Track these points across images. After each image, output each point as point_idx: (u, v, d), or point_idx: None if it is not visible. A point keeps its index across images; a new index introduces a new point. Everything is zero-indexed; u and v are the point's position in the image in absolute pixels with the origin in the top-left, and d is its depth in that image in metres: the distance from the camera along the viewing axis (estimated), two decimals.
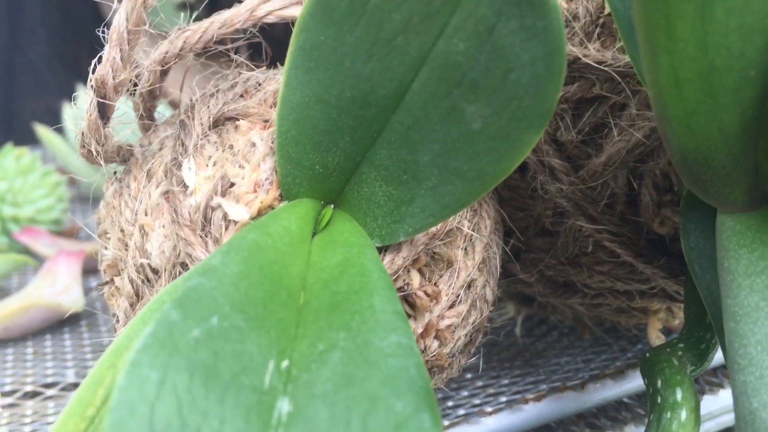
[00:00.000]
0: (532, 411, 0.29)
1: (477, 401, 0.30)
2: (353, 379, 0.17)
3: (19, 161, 0.53)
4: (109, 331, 0.42)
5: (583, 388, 0.30)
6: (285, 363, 0.17)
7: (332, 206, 0.23)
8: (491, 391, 0.31)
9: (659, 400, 0.22)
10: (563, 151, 0.27)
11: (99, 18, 0.92)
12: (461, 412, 0.29)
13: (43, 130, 0.62)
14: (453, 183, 0.21)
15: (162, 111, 0.27)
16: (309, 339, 0.18)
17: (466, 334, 0.25)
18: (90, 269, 0.48)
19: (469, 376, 0.33)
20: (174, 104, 0.29)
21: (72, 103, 0.62)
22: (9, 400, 0.35)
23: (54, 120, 0.81)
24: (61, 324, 0.42)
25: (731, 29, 0.17)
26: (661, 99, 0.18)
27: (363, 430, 0.16)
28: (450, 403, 0.30)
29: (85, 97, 0.58)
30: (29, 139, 0.77)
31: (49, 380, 0.36)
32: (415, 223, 0.22)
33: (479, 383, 0.32)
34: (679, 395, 0.22)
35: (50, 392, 0.35)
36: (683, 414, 0.21)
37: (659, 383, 0.22)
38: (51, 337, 0.41)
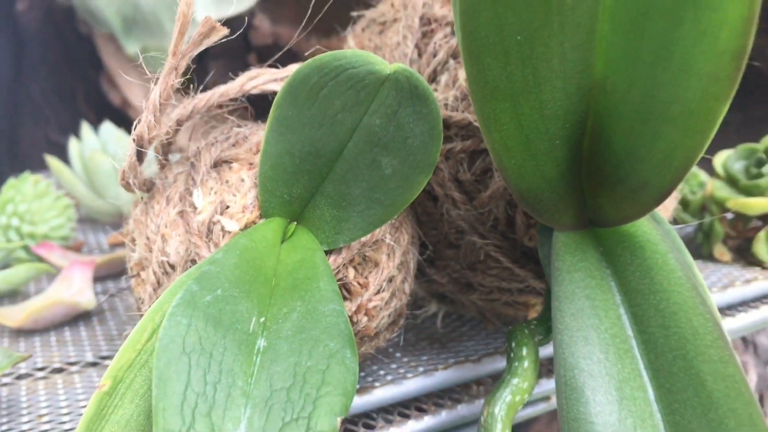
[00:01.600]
0: (441, 376, 0.39)
1: (401, 370, 0.40)
2: (305, 328, 0.27)
3: (36, 186, 0.63)
4: (116, 324, 0.51)
5: (479, 361, 0.40)
6: (262, 319, 0.27)
7: (296, 223, 0.33)
8: (413, 363, 0.41)
9: (512, 355, 0.32)
10: (462, 187, 0.37)
11: (95, 58, 1.00)
12: (389, 377, 0.39)
13: (52, 161, 0.71)
14: (375, 208, 0.31)
15: (174, 155, 0.37)
16: (278, 305, 0.28)
17: (389, 315, 0.35)
18: (97, 277, 0.57)
19: (398, 355, 0.42)
20: (181, 149, 0.38)
21: (76, 138, 0.71)
22: (42, 374, 0.43)
23: (52, 149, 0.89)
24: (76, 319, 0.51)
25: (536, 118, 0.27)
26: (498, 159, 0.28)
27: (308, 357, 0.26)
28: (381, 372, 0.40)
29: (89, 133, 0.67)
30: (31, 166, 0.86)
31: (72, 359, 0.45)
32: (351, 234, 0.32)
33: (405, 359, 0.42)
34: (524, 351, 0.32)
35: (74, 369, 0.44)
36: (525, 363, 0.31)
37: (513, 345, 0.32)
38: (69, 328, 0.50)
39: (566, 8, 0.23)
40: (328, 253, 0.32)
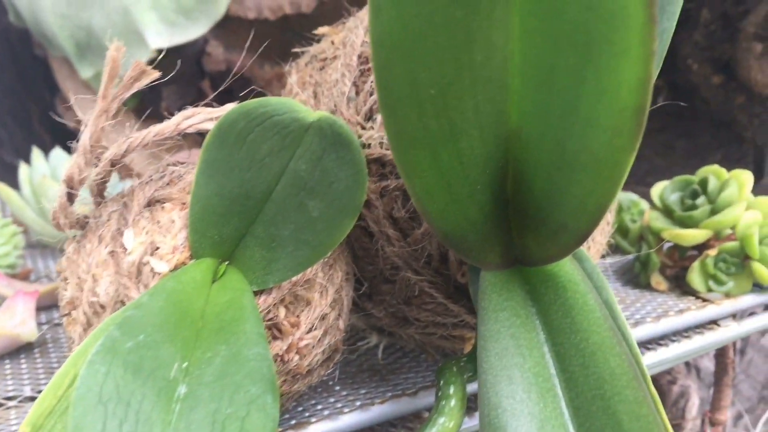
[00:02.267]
0: (378, 411, 0.39)
1: (339, 404, 0.40)
2: (227, 373, 0.27)
3: None
4: (57, 357, 0.50)
5: (416, 394, 0.40)
6: (185, 364, 0.27)
7: (227, 263, 0.33)
8: (351, 397, 0.41)
9: (440, 393, 0.33)
10: (397, 224, 0.38)
11: (50, 81, 0.99)
12: (326, 412, 0.39)
13: (1, 185, 0.70)
14: (303, 249, 0.31)
15: (110, 191, 0.37)
16: (202, 349, 0.28)
17: (322, 352, 0.35)
18: (42, 306, 0.57)
19: (337, 388, 0.42)
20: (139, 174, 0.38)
21: (27, 164, 0.70)
22: None
23: (6, 171, 0.88)
24: (18, 351, 0.51)
25: (455, 165, 0.28)
26: (420, 204, 0.28)
27: (229, 404, 0.26)
28: (319, 407, 0.40)
29: (39, 158, 0.67)
30: None
31: (10, 394, 0.44)
32: (280, 275, 0.32)
33: (344, 392, 0.42)
34: (452, 390, 0.32)
35: (11, 404, 0.43)
36: (453, 402, 0.32)
37: (442, 382, 0.33)
38: (10, 361, 0.49)
39: (476, 65, 0.24)
40: (258, 293, 0.32)
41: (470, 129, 0.26)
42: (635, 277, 0.57)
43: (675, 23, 0.31)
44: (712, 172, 0.54)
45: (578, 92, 0.24)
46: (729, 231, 0.53)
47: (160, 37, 0.76)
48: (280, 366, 0.33)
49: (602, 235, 0.43)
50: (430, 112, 0.25)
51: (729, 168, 0.56)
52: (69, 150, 0.75)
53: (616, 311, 0.33)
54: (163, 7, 0.77)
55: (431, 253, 0.38)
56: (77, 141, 0.32)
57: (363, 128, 0.38)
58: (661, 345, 0.47)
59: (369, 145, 0.38)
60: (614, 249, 0.62)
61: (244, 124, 0.29)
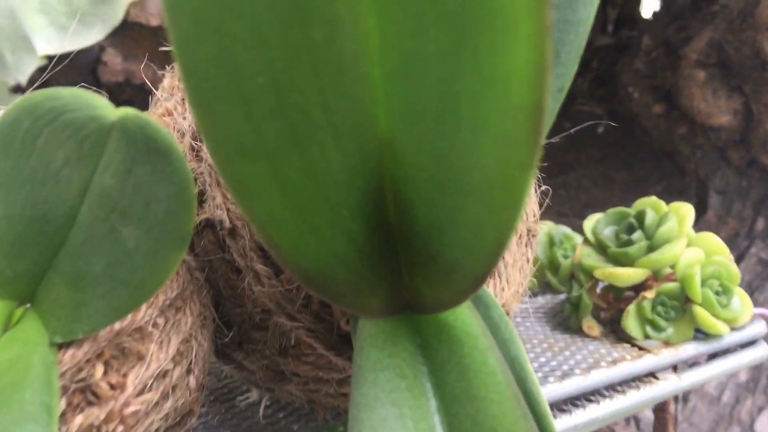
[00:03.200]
0: None
1: None
2: None
3: None
4: None
5: None
6: None
7: (27, 305, 0.26)
8: None
9: None
10: (267, 258, 0.31)
11: None
12: None
13: None
14: (120, 290, 0.24)
15: None
16: None
17: (164, 418, 0.28)
18: None
19: None
20: None
21: None
22: None
23: None
24: None
25: (306, 182, 0.21)
26: (264, 235, 0.22)
27: None
28: None
29: None
30: None
31: None
32: (92, 322, 0.25)
33: None
34: None
35: None
36: None
37: None
38: None
39: (317, 45, 0.18)
40: (65, 346, 0.25)
41: (320, 134, 0.20)
42: (565, 320, 0.52)
43: (593, 14, 0.25)
44: (650, 205, 0.49)
45: (455, 86, 0.18)
46: (668, 270, 0.48)
47: (50, 43, 0.69)
48: None
49: (521, 273, 0.37)
50: (262, 109, 0.19)
51: (670, 201, 0.51)
52: None
53: (527, 371, 0.27)
54: (53, 11, 0.69)
55: (309, 295, 0.31)
56: None
57: None
58: (591, 401, 0.41)
59: None
60: (544, 287, 0.56)
61: (30, 124, 0.22)
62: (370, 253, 0.25)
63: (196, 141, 0.33)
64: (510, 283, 0.35)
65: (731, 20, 0.70)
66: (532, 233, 0.38)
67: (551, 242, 0.57)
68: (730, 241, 0.49)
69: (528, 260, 0.38)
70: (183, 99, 0.36)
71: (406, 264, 0.26)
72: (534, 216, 0.38)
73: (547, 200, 0.39)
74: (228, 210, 0.31)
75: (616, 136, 0.89)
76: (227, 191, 0.31)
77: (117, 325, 0.26)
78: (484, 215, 0.21)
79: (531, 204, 0.38)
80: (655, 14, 0.76)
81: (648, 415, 0.72)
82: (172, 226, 0.22)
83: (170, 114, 0.35)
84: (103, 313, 0.24)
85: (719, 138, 0.76)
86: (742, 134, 0.73)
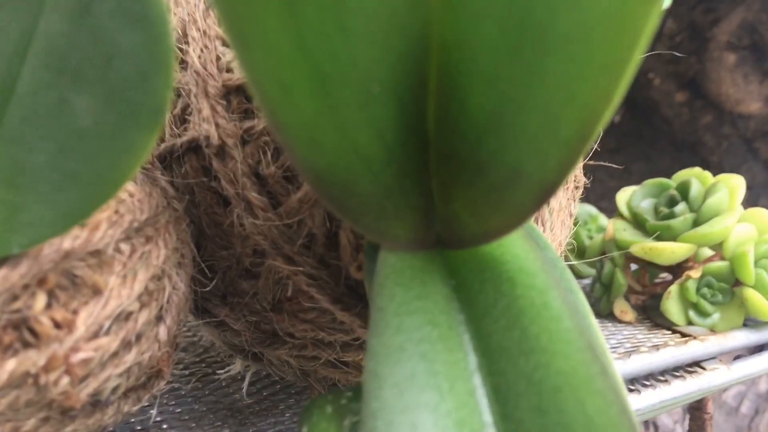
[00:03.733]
0: None
1: None
2: None
3: None
4: None
5: None
6: None
7: None
8: None
9: None
10: (264, 185, 0.25)
11: None
12: None
13: None
14: (70, 189, 0.18)
15: None
16: None
17: (121, 374, 0.22)
18: None
19: None
20: None
21: None
22: None
23: None
24: None
25: (330, 31, 0.15)
26: (269, 104, 0.16)
27: None
28: None
29: None
30: None
31: None
32: (31, 233, 0.19)
33: None
34: None
35: None
36: None
37: (304, 430, 0.20)
38: None
39: None
40: None
41: None
42: (595, 303, 0.46)
43: None
44: (695, 175, 0.44)
45: None
46: (710, 252, 0.43)
47: None
48: (31, 393, 0.20)
49: (563, 228, 0.31)
50: None
51: None
52: None
53: (594, 328, 0.21)
54: None
55: (313, 232, 0.26)
56: None
57: (226, 45, 0.26)
58: (631, 390, 0.36)
59: (230, 68, 0.26)
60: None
61: None
62: (399, 159, 0.19)
63: (179, 44, 0.27)
64: (554, 234, 0.30)
65: (766, 0, 0.66)
66: (575, 183, 0.32)
67: (574, 222, 0.51)
68: None
69: (570, 215, 0.32)
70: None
71: (442, 184, 0.20)
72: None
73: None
74: (217, 125, 0.25)
75: (634, 126, 0.84)
76: (216, 102, 0.25)
77: (67, 243, 0.20)
78: (570, 83, 0.15)
79: None
80: None
81: (666, 423, 0.67)
82: (140, 92, 0.17)
83: None
84: (47, 220, 0.19)
85: (747, 128, 0.72)
86: None
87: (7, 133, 0.18)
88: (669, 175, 0.81)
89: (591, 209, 0.52)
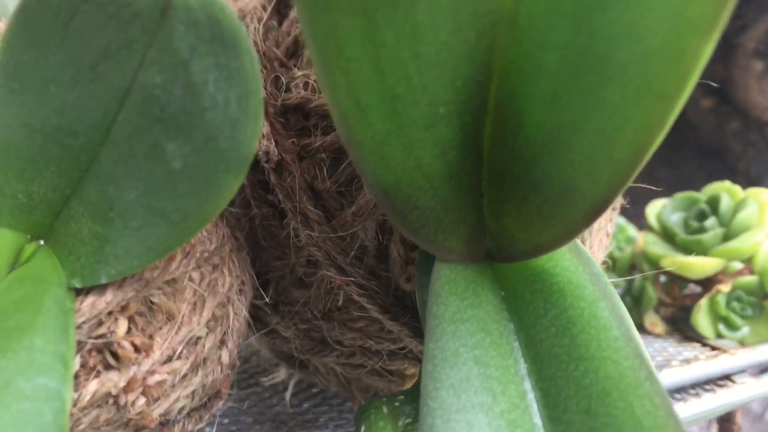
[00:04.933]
0: None
1: None
2: None
3: None
4: None
5: None
6: None
7: (41, 241, 0.22)
8: None
9: None
10: (319, 199, 0.27)
11: None
12: None
13: None
14: (158, 225, 0.20)
15: None
16: None
17: (190, 395, 0.24)
18: None
19: None
20: None
21: None
22: None
23: None
24: None
25: (406, 57, 0.17)
26: (345, 122, 0.18)
27: None
28: None
29: None
30: None
31: None
32: (119, 265, 0.21)
33: None
34: None
35: None
36: None
37: (362, 429, 0.22)
38: None
39: None
40: (84, 292, 0.21)
41: None
42: None
43: None
44: (724, 190, 0.46)
45: None
46: (739, 265, 0.45)
47: None
48: (111, 413, 0.22)
49: (600, 247, 0.33)
50: None
51: None
52: None
53: (636, 337, 0.23)
54: None
55: (365, 245, 0.28)
56: None
57: (284, 67, 0.28)
58: None
59: (289, 88, 0.28)
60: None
61: (63, 0, 0.19)
62: (458, 175, 0.21)
63: None
64: (593, 252, 0.32)
65: None
66: (614, 204, 0.34)
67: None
68: None
69: (607, 234, 0.34)
70: None
71: (493, 200, 0.22)
72: None
73: None
74: (276, 142, 0.27)
75: None
76: (276, 120, 0.27)
77: (147, 273, 0.22)
78: (626, 108, 0.17)
79: None
80: None
81: None
82: (229, 141, 0.19)
83: None
84: (134, 253, 0.21)
85: None
86: None
87: (101, 172, 0.20)
88: (695, 181, 0.82)
89: (620, 220, 0.54)
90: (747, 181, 0.75)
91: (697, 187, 0.82)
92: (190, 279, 0.24)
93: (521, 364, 0.21)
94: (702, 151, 0.79)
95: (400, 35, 0.16)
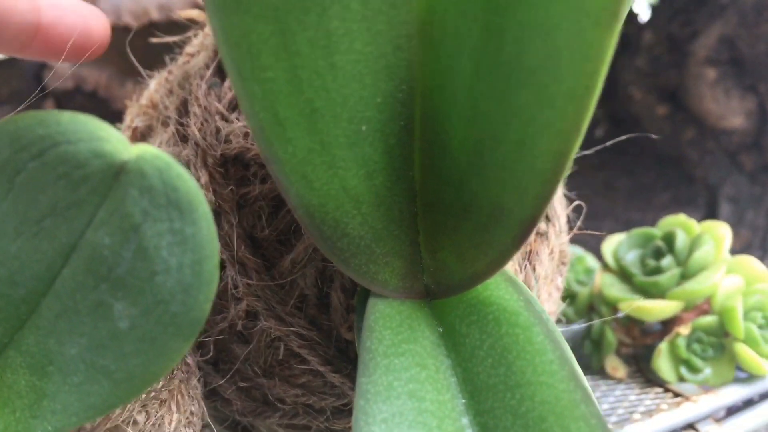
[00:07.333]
0: None
1: None
2: None
3: None
4: None
5: None
6: None
7: None
8: None
9: None
10: (258, 248, 0.28)
11: None
12: None
13: None
14: (100, 382, 0.20)
15: None
16: None
17: None
18: None
19: None
20: None
21: None
22: None
23: None
24: None
25: (321, 68, 0.18)
26: (263, 136, 0.18)
27: None
28: None
29: None
30: None
31: None
32: (56, 421, 0.21)
33: None
34: None
35: None
36: None
37: None
38: None
39: None
40: None
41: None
42: (585, 358, 0.49)
43: None
44: (679, 225, 0.48)
45: None
46: (700, 300, 0.46)
47: None
48: None
49: (549, 300, 0.34)
50: None
51: (678, 211, 0.49)
52: None
53: (573, 363, 0.24)
54: None
55: (305, 293, 0.28)
56: None
57: (225, 120, 0.30)
58: None
59: (229, 139, 0.29)
60: (556, 319, 0.53)
61: (9, 155, 0.19)
62: (387, 203, 0.22)
63: (182, 119, 0.31)
64: (543, 303, 0.33)
65: (744, 14, 0.69)
66: (562, 258, 0.36)
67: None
68: (743, 253, 0.48)
69: (557, 288, 0.35)
70: (170, 90, 0.34)
71: (429, 235, 0.23)
72: (562, 236, 0.36)
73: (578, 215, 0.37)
74: (214, 191, 0.29)
75: (617, 142, 0.88)
76: (215, 170, 0.29)
77: (87, 425, 0.23)
78: (541, 113, 0.18)
79: (558, 221, 0.36)
80: (656, 7, 0.75)
81: None
82: (180, 306, 0.19)
83: (155, 106, 0.34)
84: (73, 410, 0.21)
85: (731, 142, 0.74)
86: (756, 137, 0.72)
87: (42, 323, 0.21)
88: (654, 191, 0.83)
89: (577, 250, 0.55)
90: (706, 189, 0.76)
91: (657, 196, 0.82)
92: (134, 422, 0.24)
93: (459, 400, 0.22)
94: (660, 159, 0.80)
95: (314, 43, 0.17)
